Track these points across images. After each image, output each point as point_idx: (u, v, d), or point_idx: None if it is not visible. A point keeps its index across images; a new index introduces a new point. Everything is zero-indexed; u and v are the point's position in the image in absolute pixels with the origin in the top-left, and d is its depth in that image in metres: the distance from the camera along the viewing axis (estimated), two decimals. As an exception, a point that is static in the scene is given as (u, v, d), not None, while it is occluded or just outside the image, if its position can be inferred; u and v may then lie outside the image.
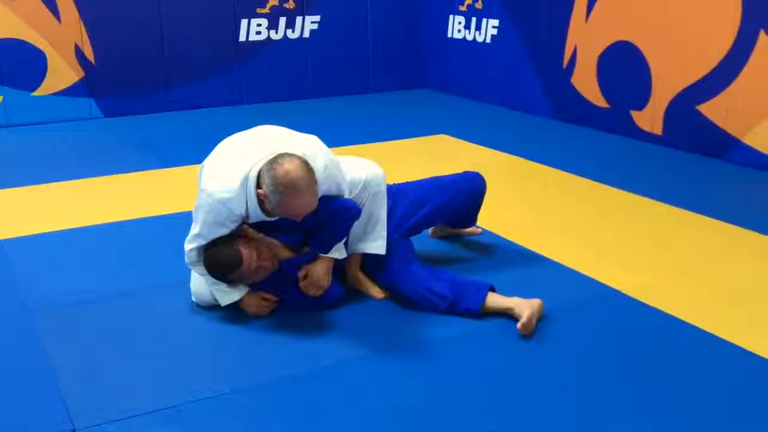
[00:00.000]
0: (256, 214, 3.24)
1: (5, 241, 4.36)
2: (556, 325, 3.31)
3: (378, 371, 3.00)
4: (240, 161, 3.20)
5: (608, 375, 2.94)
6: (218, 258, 3.29)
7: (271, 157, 3.14)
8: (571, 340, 3.19)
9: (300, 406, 2.78)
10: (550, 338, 3.21)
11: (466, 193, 3.93)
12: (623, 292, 3.63)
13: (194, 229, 3.31)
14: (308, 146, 3.33)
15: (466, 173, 4.02)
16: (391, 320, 3.41)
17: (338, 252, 3.47)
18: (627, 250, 4.14)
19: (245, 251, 3.27)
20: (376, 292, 3.62)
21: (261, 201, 3.19)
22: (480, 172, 4.01)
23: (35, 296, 3.66)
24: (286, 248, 3.46)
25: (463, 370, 3.00)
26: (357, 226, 3.50)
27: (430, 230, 4.25)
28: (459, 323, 3.34)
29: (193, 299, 3.53)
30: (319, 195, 3.22)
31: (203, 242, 3.31)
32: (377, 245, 3.55)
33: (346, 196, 3.41)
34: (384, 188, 3.60)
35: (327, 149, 3.42)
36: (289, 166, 3.07)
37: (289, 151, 3.18)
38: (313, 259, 3.42)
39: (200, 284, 3.49)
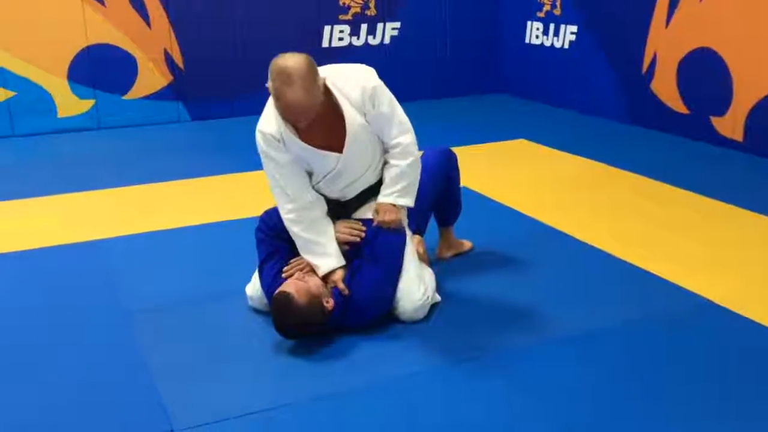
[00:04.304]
0: (287, 133, 3.25)
1: (101, 241, 4.48)
2: (649, 336, 3.29)
3: (440, 385, 2.95)
4: None
5: (698, 380, 2.93)
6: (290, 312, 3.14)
7: None
8: (666, 352, 3.16)
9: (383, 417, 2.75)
10: (643, 350, 3.17)
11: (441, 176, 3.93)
12: (716, 302, 3.58)
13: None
14: (362, 70, 3.41)
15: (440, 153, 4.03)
16: (451, 331, 3.37)
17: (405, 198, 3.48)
18: (714, 257, 4.11)
19: (291, 288, 3.16)
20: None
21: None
22: (448, 148, 4.04)
23: (130, 297, 3.74)
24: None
25: (536, 383, 2.94)
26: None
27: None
28: (527, 333, 3.33)
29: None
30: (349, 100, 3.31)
31: (273, 183, 3.39)
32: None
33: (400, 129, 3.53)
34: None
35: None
36: (289, 57, 3.06)
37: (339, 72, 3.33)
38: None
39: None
